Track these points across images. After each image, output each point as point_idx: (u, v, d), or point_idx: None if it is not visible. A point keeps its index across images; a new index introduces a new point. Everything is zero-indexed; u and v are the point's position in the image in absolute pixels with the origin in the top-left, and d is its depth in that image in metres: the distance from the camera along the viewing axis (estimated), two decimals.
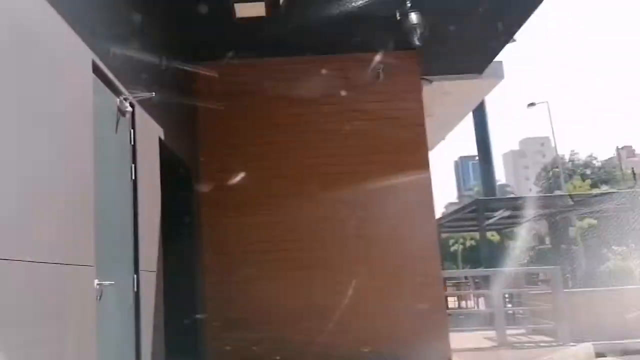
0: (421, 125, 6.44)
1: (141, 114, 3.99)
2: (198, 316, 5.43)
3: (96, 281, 2.87)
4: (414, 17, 5.45)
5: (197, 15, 4.99)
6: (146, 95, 3.94)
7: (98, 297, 2.90)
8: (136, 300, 3.60)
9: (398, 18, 5.45)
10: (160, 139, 4.52)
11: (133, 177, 3.75)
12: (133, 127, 3.83)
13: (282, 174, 6.11)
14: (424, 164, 6.35)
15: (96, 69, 3.12)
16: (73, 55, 2.88)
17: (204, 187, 5.90)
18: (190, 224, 5.58)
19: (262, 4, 4.77)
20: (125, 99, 3.62)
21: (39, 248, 2.30)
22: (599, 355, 6.43)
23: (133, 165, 3.77)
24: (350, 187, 6.05)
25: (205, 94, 6.13)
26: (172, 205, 4.67)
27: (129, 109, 3.68)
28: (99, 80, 3.21)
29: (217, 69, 6.04)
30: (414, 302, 5.76)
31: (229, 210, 5.98)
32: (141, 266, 3.70)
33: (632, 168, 41.35)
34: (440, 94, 7.53)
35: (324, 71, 6.23)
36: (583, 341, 6.54)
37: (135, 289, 3.62)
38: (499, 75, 7.71)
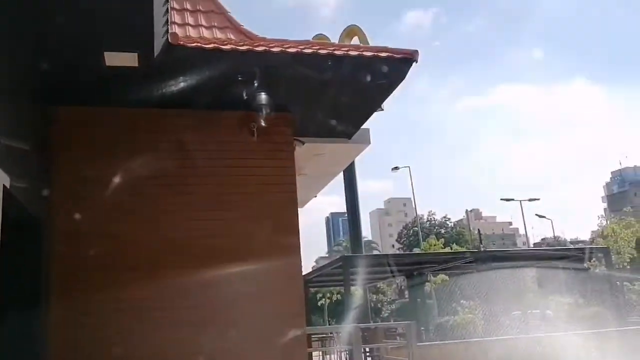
0: (292, 184, 6.60)
1: None
2: None
3: None
4: (259, 97, 5.68)
5: (61, 57, 4.73)
6: None
7: None
8: None
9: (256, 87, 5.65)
10: (5, 187, 4.10)
11: None
12: None
13: (141, 240, 5.73)
14: (293, 223, 6.45)
15: None
16: None
17: (55, 248, 5.37)
18: (37, 287, 5.02)
19: (135, 55, 4.66)
20: None
21: None
22: None
23: None
24: (216, 245, 5.93)
25: (64, 142, 5.70)
26: (14, 266, 4.20)
27: None
28: None
29: (80, 115, 5.70)
30: None
31: (80, 274, 5.47)
32: None
33: (479, 229, 45.99)
34: (312, 154, 7.84)
35: (196, 126, 6.17)
36: None
37: None
38: (366, 141, 8.22)
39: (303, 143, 7.27)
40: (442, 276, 23.33)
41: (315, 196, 12.11)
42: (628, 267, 25.47)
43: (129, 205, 5.78)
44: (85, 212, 5.60)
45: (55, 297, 5.30)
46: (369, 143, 8.26)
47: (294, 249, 6.34)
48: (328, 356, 12.94)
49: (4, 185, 4.09)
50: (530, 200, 42.19)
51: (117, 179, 5.71)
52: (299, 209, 6.84)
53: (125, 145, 5.92)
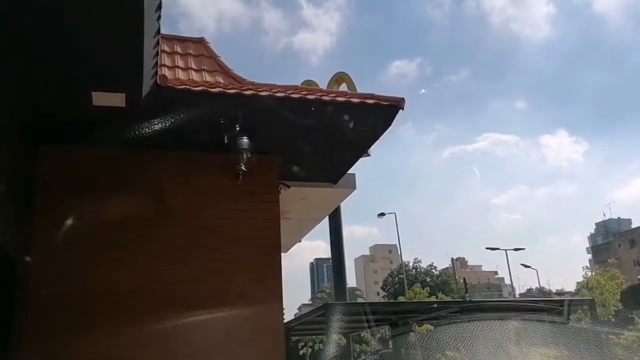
0: (276, 228, 6.52)
1: None
2: None
3: None
4: (243, 142, 5.72)
5: (48, 95, 4.72)
6: None
7: None
8: None
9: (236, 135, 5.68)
10: None
11: None
12: None
13: (119, 284, 5.54)
14: (275, 269, 6.34)
15: None
16: None
17: (31, 289, 5.20)
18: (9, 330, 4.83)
19: (122, 95, 4.67)
20: None
21: None
22: None
23: None
24: (194, 291, 5.78)
25: (46, 182, 5.62)
26: None
27: None
28: None
29: (63, 155, 5.65)
30: None
31: (56, 315, 5.27)
32: None
33: (464, 278, 45.78)
34: (297, 198, 7.81)
35: (180, 167, 6.14)
36: None
37: None
38: (351, 186, 8.24)
39: (288, 187, 7.26)
40: (427, 326, 22.90)
41: (300, 241, 11.99)
42: (613, 319, 25.33)
43: (107, 248, 5.65)
44: (63, 254, 5.46)
45: (28, 338, 5.11)
46: (355, 188, 8.27)
47: (275, 296, 6.19)
48: None
49: None
50: (515, 249, 42.23)
51: (96, 222, 5.60)
52: (282, 253, 6.74)
53: (106, 187, 5.85)
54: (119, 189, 5.83)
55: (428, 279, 59.41)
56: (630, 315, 22.57)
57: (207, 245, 6.09)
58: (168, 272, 5.80)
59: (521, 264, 44.76)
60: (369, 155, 7.67)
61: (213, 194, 6.29)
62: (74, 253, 5.50)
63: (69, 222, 5.56)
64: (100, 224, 5.62)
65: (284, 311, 7.03)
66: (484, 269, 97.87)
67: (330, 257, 22.81)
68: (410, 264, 64.46)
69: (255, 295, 5.98)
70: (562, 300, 22.07)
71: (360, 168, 7.56)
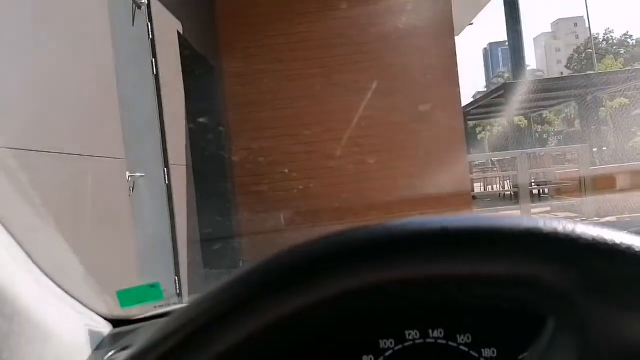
0: (447, 5, 6.14)
1: (157, 7, 3.89)
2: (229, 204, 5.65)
3: (127, 173, 2.98)
4: None
5: None
6: None
7: (130, 189, 3.03)
8: (168, 193, 3.75)
9: None
10: (179, 33, 4.44)
11: (154, 72, 3.74)
12: (150, 20, 3.75)
13: (310, 70, 5.95)
14: (449, 48, 6.13)
15: None
16: None
17: (227, 85, 5.87)
18: (215, 122, 5.62)
19: None
20: None
21: (66, 140, 2.33)
22: None
23: (153, 60, 3.75)
24: (376, 75, 5.94)
25: None
26: (195, 103, 4.70)
27: (144, 0, 3.58)
28: None
29: None
30: (440, 184, 5.84)
31: (253, 107, 5.97)
32: (170, 160, 3.81)
33: None
34: None
35: None
36: (607, 216, 6.64)
37: (166, 182, 3.77)
38: None
39: None
40: (620, 99, 20.92)
41: (471, 23, 11.17)
42: None
43: (295, 46, 5.95)
44: (250, 55, 5.93)
45: (233, 132, 5.95)
46: None
47: (452, 78, 6.10)
48: (490, 186, 12.89)
49: (178, 31, 4.43)
50: None
51: (282, 20, 5.86)
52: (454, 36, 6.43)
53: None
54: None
55: (622, 51, 52.24)
56: None
57: (380, 32, 6.04)
58: (348, 59, 5.99)
59: None
60: None
61: None
62: (264, 51, 5.94)
63: (254, 24, 5.93)
64: (286, 25, 5.88)
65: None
66: None
67: (505, 39, 21.10)
68: (600, 36, 56.77)
69: (433, 79, 5.95)
70: None
71: None
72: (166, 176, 3.76)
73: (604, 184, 7.28)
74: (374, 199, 5.62)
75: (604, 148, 16.33)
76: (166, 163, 3.77)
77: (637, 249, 0.30)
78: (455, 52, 6.21)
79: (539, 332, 0.33)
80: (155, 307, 0.88)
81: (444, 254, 0.31)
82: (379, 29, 6.06)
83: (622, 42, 56.82)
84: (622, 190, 7.16)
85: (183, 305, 0.34)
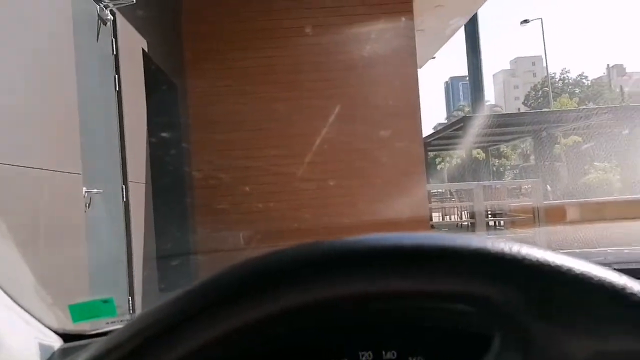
0: (411, 38, 6.34)
1: (123, 23, 3.88)
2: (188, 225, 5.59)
3: (84, 189, 2.92)
4: None
5: None
6: (127, 2, 3.80)
7: (87, 205, 2.97)
8: (125, 210, 3.69)
9: None
10: (143, 51, 4.42)
11: (117, 88, 3.71)
12: (115, 36, 3.74)
13: (276, 94, 6.00)
14: (412, 79, 6.31)
15: None
16: None
17: (190, 104, 5.85)
18: (177, 140, 5.58)
19: None
20: (106, 7, 3.51)
21: (21, 152, 2.29)
22: None
23: (116, 76, 3.72)
24: (341, 102, 6.04)
25: (196, 8, 5.93)
26: (158, 121, 4.66)
27: (110, 17, 3.57)
28: None
29: None
30: (399, 211, 5.93)
31: (216, 127, 5.95)
32: (130, 176, 3.76)
33: (621, 86, 41.33)
34: (432, 6, 7.34)
35: None
36: (560, 249, 6.86)
37: (124, 199, 3.70)
38: None
39: None
40: (574, 137, 21.85)
41: (434, 57, 11.54)
42: None
43: (261, 70, 6.00)
44: (216, 76, 5.94)
45: (196, 150, 5.94)
46: None
47: (414, 108, 6.26)
48: (449, 216, 13.16)
49: (142, 48, 4.42)
50: None
51: (249, 43, 5.91)
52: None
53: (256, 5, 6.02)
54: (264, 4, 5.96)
55: (577, 90, 54.82)
56: None
57: (344, 60, 6.16)
58: (314, 85, 6.08)
59: None
60: None
61: (346, 7, 6.17)
62: (229, 72, 5.96)
63: (220, 43, 5.94)
64: (252, 45, 5.94)
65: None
66: None
67: (466, 74, 21.85)
68: (557, 76, 59.48)
69: (396, 108, 6.10)
70: None
71: None
72: (124, 193, 3.70)
73: (556, 217, 7.54)
74: (334, 222, 5.66)
75: (557, 183, 16.95)
76: (125, 180, 3.72)
77: (578, 272, 0.31)
78: (418, 84, 6.40)
79: (487, 352, 0.34)
80: (107, 323, 0.87)
81: (394, 270, 0.32)
82: (346, 57, 6.20)
83: (578, 82, 59.62)
84: (573, 223, 7.43)
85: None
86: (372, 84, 6.16)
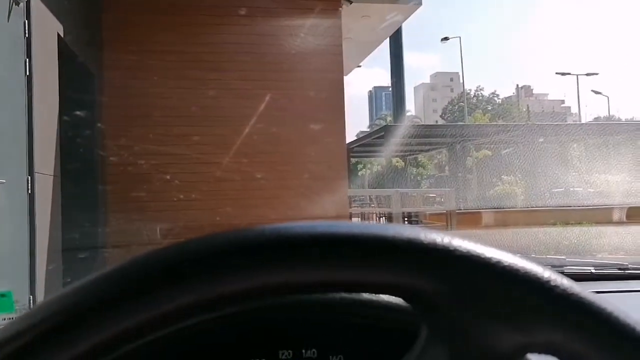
0: (338, 45, 6.44)
1: (38, 6, 3.64)
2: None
3: None
4: None
5: None
6: None
7: None
8: (30, 201, 3.45)
9: None
10: (59, 36, 4.17)
11: (27, 73, 3.47)
12: (28, 18, 3.50)
13: (199, 89, 5.82)
14: (338, 85, 6.41)
15: None
16: None
17: (108, 94, 5.57)
18: (91, 129, 5.30)
19: None
20: None
21: None
22: None
23: (27, 60, 3.48)
24: (264, 105, 6.00)
25: None
26: (71, 109, 4.41)
27: None
28: None
29: None
30: (320, 213, 5.98)
31: (133, 122, 5.70)
32: (37, 166, 3.52)
33: (527, 106, 44.52)
34: (359, 16, 7.50)
35: None
36: None
37: (29, 190, 3.46)
38: (417, 2, 7.77)
39: (350, 2, 6.94)
40: (484, 151, 23.20)
41: (360, 66, 11.80)
42: None
43: (184, 65, 5.83)
44: (135, 67, 5.70)
45: (111, 140, 5.66)
46: (420, 4, 7.79)
47: (339, 114, 6.36)
48: (368, 221, 13.46)
49: (58, 33, 4.16)
50: (587, 74, 39.85)
51: (164, 37, 5.72)
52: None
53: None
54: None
55: (489, 107, 58.24)
56: None
57: (271, 62, 6.14)
58: (238, 83, 5.98)
59: (592, 91, 42.50)
60: None
61: (274, 10, 6.15)
62: (148, 66, 5.72)
63: (137, 35, 5.71)
64: (168, 39, 5.75)
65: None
66: (549, 97, 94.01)
67: (389, 85, 22.55)
68: (472, 92, 62.89)
69: (320, 113, 6.15)
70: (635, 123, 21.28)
71: None
72: (29, 184, 3.45)
73: (467, 224, 7.97)
74: (255, 219, 5.63)
75: (469, 193, 17.87)
76: (31, 170, 3.47)
77: (506, 264, 0.31)
78: (343, 90, 6.50)
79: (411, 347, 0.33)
80: (4, 319, 0.81)
81: (322, 260, 0.30)
82: (273, 59, 6.18)
83: (490, 99, 63.34)
84: (482, 229, 7.87)
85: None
86: (298, 88, 6.18)
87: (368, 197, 14.97)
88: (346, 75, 11.08)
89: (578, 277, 1.07)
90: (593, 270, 1.12)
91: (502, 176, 17.34)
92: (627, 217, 7.73)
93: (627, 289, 1.05)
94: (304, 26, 6.27)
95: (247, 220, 5.62)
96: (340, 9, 6.60)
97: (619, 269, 1.14)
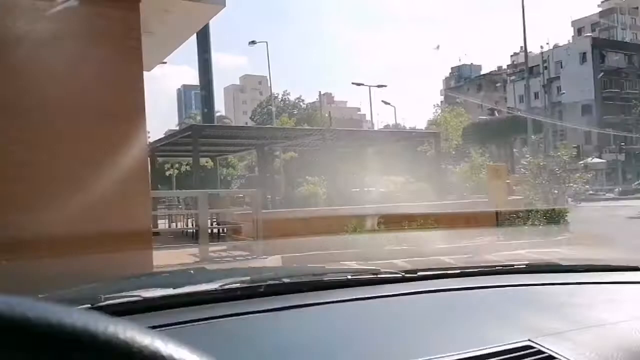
0: (136, 38, 6.05)
1: None
2: None
3: None
4: None
5: None
6: None
7: None
8: None
9: None
10: None
11: None
12: None
13: None
14: (137, 80, 6.01)
15: None
16: None
17: None
18: None
19: None
20: None
21: None
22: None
23: None
24: (55, 104, 5.35)
25: None
26: None
27: None
28: None
29: None
30: (120, 222, 5.57)
31: None
32: None
33: (329, 112, 47.94)
34: (160, 9, 7.17)
35: None
36: (273, 255, 7.44)
37: None
38: (220, 2, 7.72)
39: None
40: (291, 153, 24.24)
41: (165, 62, 11.36)
42: (454, 152, 28.66)
43: None
44: None
45: None
46: (224, 5, 7.77)
47: (139, 111, 5.97)
48: (175, 223, 13.02)
49: None
50: (378, 86, 44.39)
51: None
52: (145, 72, 6.37)
53: None
54: None
55: (295, 112, 61.10)
56: (467, 151, 25.55)
57: (58, 62, 5.48)
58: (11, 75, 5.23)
59: (382, 101, 47.41)
60: None
61: None
62: None
63: None
64: None
65: (150, 134, 6.89)
66: (348, 105, 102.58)
67: (198, 84, 22.17)
68: (280, 96, 65.26)
69: (117, 110, 5.70)
70: (411, 132, 24.33)
71: None
72: None
73: (273, 226, 8.18)
74: (32, 233, 5.00)
75: (277, 194, 18.49)
76: None
77: (101, 335, 0.32)
78: (143, 86, 6.13)
79: None
80: None
81: None
82: (58, 50, 5.55)
83: (296, 104, 66.39)
84: (288, 233, 8.16)
85: None
86: (88, 82, 5.64)
87: (177, 199, 14.49)
88: (149, 70, 10.56)
89: (335, 285, 1.15)
90: (349, 277, 1.21)
91: (307, 177, 18.35)
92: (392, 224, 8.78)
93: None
94: (97, 16, 5.75)
95: (30, 235, 4.95)
96: (140, 1, 6.23)
97: (373, 274, 1.26)
